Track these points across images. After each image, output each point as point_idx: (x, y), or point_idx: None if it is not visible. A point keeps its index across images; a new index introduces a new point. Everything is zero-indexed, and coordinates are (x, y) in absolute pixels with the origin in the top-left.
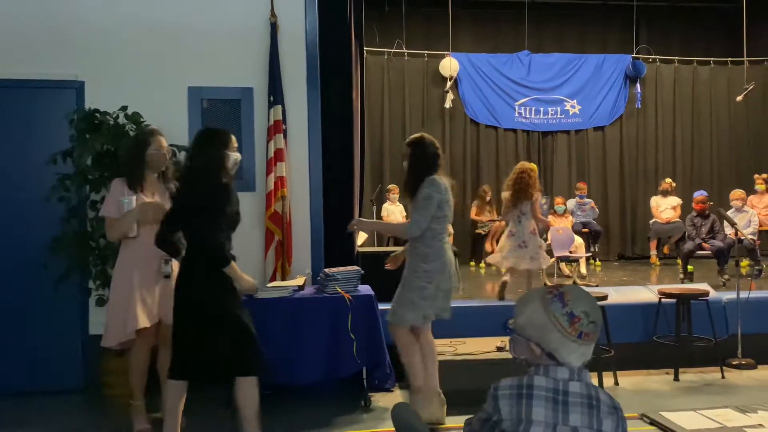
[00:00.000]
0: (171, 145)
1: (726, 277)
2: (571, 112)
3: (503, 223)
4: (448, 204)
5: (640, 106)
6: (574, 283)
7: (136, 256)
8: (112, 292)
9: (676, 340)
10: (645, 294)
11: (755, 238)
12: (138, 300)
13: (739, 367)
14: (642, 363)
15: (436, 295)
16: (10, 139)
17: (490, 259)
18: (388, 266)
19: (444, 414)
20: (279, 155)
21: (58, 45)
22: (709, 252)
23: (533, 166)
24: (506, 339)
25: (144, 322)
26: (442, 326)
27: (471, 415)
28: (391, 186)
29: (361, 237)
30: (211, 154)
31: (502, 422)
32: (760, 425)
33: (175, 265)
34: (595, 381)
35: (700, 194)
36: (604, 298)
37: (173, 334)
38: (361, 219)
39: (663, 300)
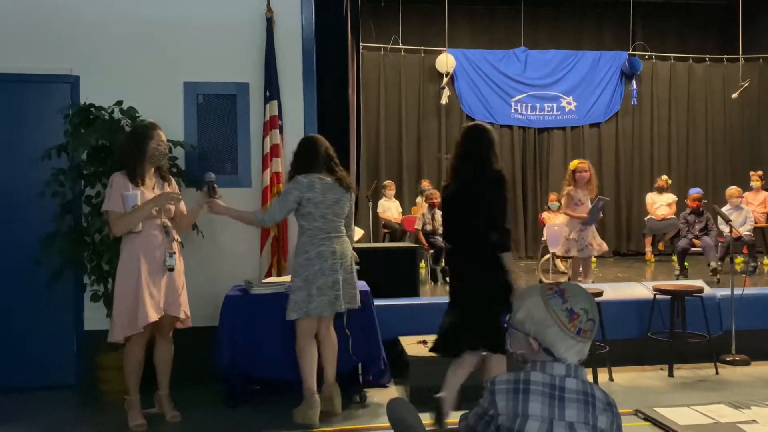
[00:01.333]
0: (167, 140)
1: (716, 276)
2: (567, 109)
3: None
4: (312, 202)
5: (636, 103)
6: (569, 279)
7: (141, 249)
8: (118, 287)
9: (670, 336)
10: (640, 290)
11: (751, 234)
12: (147, 294)
13: (732, 363)
14: (636, 359)
15: (306, 289)
16: (4, 134)
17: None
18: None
19: (339, 404)
20: (275, 151)
21: (52, 39)
22: (700, 248)
23: (575, 162)
24: None
25: (153, 315)
26: (439, 322)
27: (466, 411)
28: (387, 182)
29: (357, 233)
30: (488, 144)
31: (499, 417)
32: (754, 421)
33: (178, 258)
34: (589, 377)
35: (695, 191)
36: (600, 294)
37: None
38: (215, 201)
39: (658, 296)
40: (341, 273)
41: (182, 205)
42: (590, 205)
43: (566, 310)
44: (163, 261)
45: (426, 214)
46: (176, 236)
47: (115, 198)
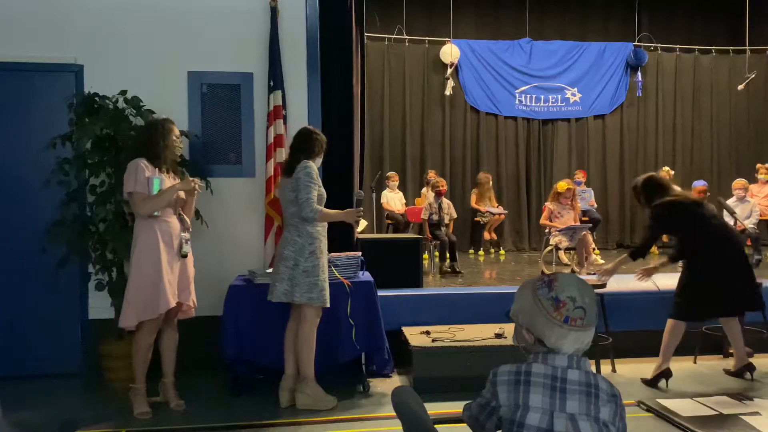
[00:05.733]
0: None
1: None
2: (571, 100)
3: (503, 217)
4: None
5: (641, 95)
6: (572, 271)
7: (160, 236)
8: (136, 272)
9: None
10: (643, 282)
11: (755, 227)
12: (166, 280)
13: None
14: (640, 351)
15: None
16: (9, 123)
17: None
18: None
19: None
20: (279, 141)
21: (57, 28)
22: None
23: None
24: (504, 326)
25: (172, 301)
26: (442, 312)
27: (469, 401)
28: (390, 173)
29: (361, 224)
30: None
31: (500, 408)
32: (756, 413)
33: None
34: (592, 368)
35: (700, 184)
36: (603, 285)
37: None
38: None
39: None
40: (277, 263)
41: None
42: (566, 217)
43: (552, 298)
44: (178, 248)
45: (432, 204)
46: (189, 225)
47: (141, 180)
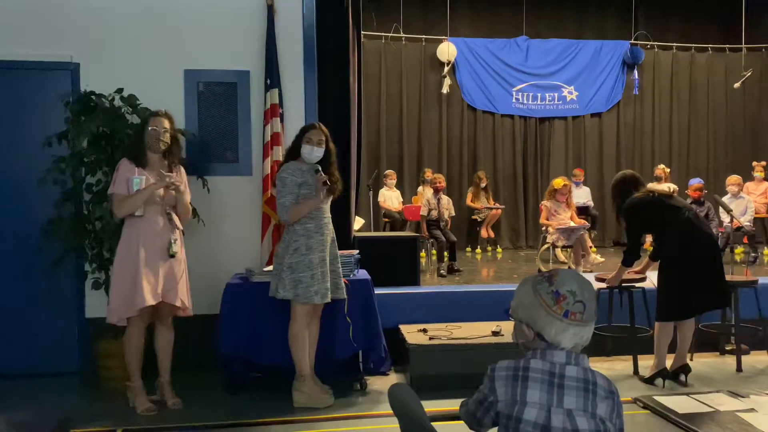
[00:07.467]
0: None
1: None
2: (568, 99)
3: (499, 211)
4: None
5: (637, 93)
6: (569, 268)
7: (142, 234)
8: (116, 270)
9: (721, 327)
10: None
11: (751, 224)
12: (144, 278)
13: (732, 352)
14: (637, 348)
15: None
16: (5, 121)
17: None
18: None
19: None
20: (276, 139)
21: (52, 26)
22: None
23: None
24: (501, 323)
25: (150, 300)
26: (439, 310)
27: (466, 398)
28: (387, 171)
29: (358, 222)
30: None
31: (498, 403)
32: (752, 409)
33: (180, 246)
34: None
35: (696, 181)
36: (644, 279)
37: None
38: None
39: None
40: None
41: (186, 196)
42: (562, 214)
43: (551, 292)
44: (164, 247)
45: (431, 200)
46: (178, 224)
47: (119, 181)
